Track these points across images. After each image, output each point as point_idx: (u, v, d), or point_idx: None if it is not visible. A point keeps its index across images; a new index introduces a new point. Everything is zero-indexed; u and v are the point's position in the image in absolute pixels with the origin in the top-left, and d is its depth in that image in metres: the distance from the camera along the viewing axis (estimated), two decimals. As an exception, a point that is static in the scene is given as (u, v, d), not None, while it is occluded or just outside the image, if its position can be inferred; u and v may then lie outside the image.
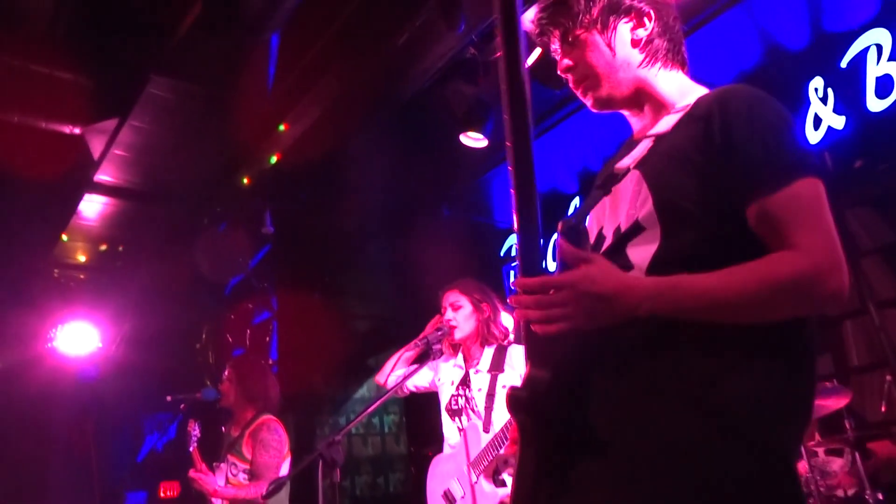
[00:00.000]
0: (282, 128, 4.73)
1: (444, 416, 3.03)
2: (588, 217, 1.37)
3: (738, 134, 1.12)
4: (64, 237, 5.82)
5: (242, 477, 3.53)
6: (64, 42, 4.20)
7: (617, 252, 1.18)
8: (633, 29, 1.32)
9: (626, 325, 1.07)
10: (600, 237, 1.29)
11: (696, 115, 1.21)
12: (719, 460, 1.02)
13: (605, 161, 1.48)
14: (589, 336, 1.10)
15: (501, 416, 2.67)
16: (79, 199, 5.30)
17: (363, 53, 4.14)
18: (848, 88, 3.98)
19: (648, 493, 1.03)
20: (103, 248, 6.09)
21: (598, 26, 1.30)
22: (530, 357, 1.11)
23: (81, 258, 6.26)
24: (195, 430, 3.73)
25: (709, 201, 1.11)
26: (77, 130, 4.74)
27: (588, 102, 1.35)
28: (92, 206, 5.46)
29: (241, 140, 4.86)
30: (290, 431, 3.85)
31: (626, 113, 1.39)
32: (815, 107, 4.12)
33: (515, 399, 1.11)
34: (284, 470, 3.53)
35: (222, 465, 3.62)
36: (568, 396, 1.09)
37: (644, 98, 1.33)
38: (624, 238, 1.18)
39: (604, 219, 1.30)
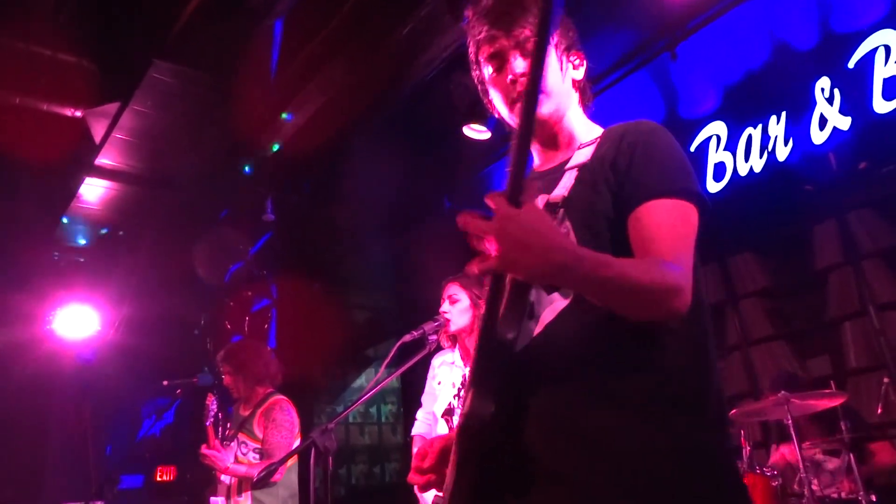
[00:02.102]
0: (284, 116, 4.72)
1: (440, 422, 3.02)
2: None
3: (637, 155, 1.22)
4: (64, 220, 5.82)
5: (252, 456, 3.50)
6: (67, 25, 4.19)
7: None
8: (573, 68, 1.41)
9: (556, 342, 1.16)
10: None
11: (607, 142, 1.30)
12: (642, 450, 1.08)
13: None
14: (527, 354, 1.17)
15: None
16: (80, 182, 5.29)
17: (367, 43, 4.12)
18: (854, 89, 3.95)
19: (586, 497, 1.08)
20: (103, 231, 6.09)
21: (558, 50, 1.36)
22: (473, 384, 1.13)
23: (81, 241, 6.25)
24: (213, 405, 3.68)
25: (619, 219, 1.20)
26: (79, 113, 4.72)
27: (516, 118, 1.36)
28: (93, 190, 5.45)
29: (244, 127, 4.84)
30: (288, 418, 3.83)
31: (535, 146, 1.43)
32: (821, 107, 4.10)
33: (462, 427, 1.12)
34: None
35: (232, 443, 3.59)
36: (507, 422, 1.13)
37: (560, 135, 1.40)
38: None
39: None
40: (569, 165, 1.34)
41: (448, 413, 2.96)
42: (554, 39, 1.34)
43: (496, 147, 5.23)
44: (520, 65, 1.33)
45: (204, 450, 3.47)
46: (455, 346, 3.05)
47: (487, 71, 1.39)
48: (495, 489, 1.14)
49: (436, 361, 3.14)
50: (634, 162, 1.22)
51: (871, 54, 3.89)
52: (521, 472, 1.13)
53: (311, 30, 4.18)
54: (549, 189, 1.31)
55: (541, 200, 1.31)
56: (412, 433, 3.16)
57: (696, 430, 1.12)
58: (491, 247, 1.06)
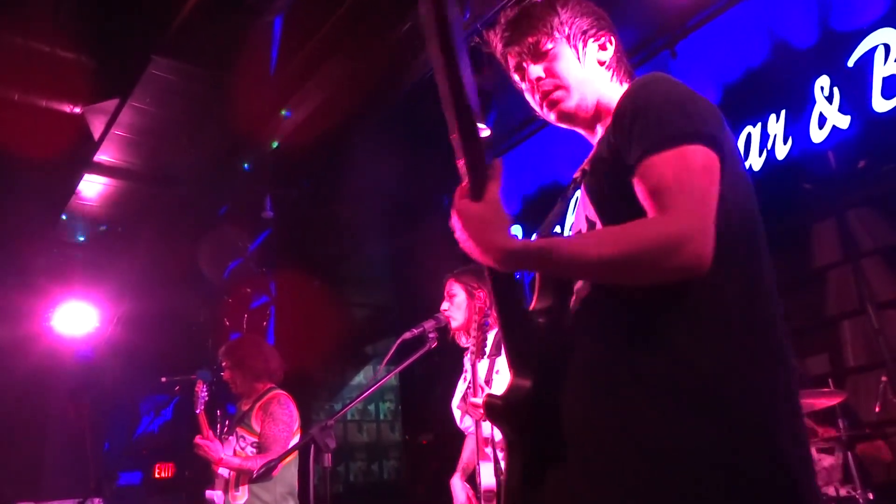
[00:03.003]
0: (284, 113, 4.71)
1: (455, 413, 3.04)
2: (570, 223, 1.51)
3: (634, 114, 1.17)
4: (63, 217, 5.81)
5: (250, 450, 3.48)
6: (67, 21, 4.18)
7: None
8: (598, 50, 1.41)
9: (595, 329, 1.14)
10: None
11: (617, 107, 1.27)
12: (686, 437, 1.01)
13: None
14: (563, 340, 1.16)
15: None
16: (78, 178, 5.29)
17: (366, 41, 4.12)
18: (854, 88, 3.95)
19: (626, 488, 1.03)
20: (102, 228, 6.08)
21: (571, 41, 1.38)
22: (512, 365, 1.16)
23: (80, 238, 6.25)
24: (203, 392, 3.67)
25: (627, 186, 1.15)
26: (78, 110, 4.72)
27: (552, 116, 1.40)
28: (92, 187, 5.45)
29: (243, 124, 4.83)
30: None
31: (583, 132, 1.45)
32: (821, 105, 4.10)
33: (491, 407, 1.15)
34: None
35: (230, 438, 3.59)
36: (545, 404, 1.12)
37: (600, 116, 1.40)
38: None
39: (579, 223, 1.38)
40: (598, 139, 1.37)
41: (463, 400, 2.96)
42: (565, 31, 1.38)
43: (496, 145, 5.23)
44: (534, 70, 1.39)
45: (198, 440, 3.45)
46: (469, 339, 3.06)
47: (519, 82, 1.46)
48: (540, 467, 1.12)
49: (466, 358, 3.14)
50: (626, 124, 1.17)
51: (871, 53, 3.89)
52: (559, 450, 1.11)
53: (311, 27, 4.18)
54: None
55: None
56: (463, 428, 3.15)
57: (708, 429, 1.01)
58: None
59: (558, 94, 1.37)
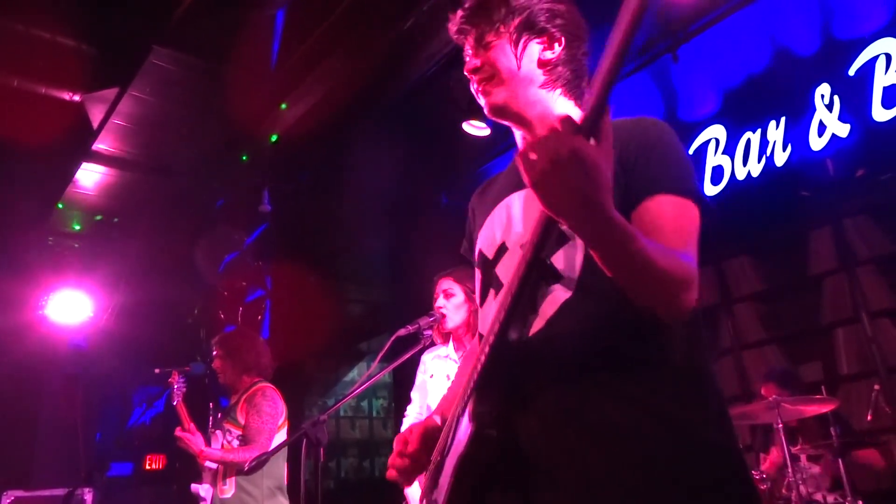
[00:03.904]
0: (284, 106, 4.70)
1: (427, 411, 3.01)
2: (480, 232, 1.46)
3: (646, 152, 1.21)
4: (59, 205, 5.79)
5: (236, 444, 3.47)
6: (67, 8, 4.16)
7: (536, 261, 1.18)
8: (542, 50, 1.37)
9: (558, 336, 1.16)
10: (502, 248, 1.36)
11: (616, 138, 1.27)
12: (654, 448, 1.08)
13: (493, 177, 1.59)
14: (529, 349, 1.17)
15: None
16: (76, 167, 5.27)
17: (369, 36, 4.11)
18: (854, 97, 3.96)
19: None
20: (99, 217, 6.06)
21: (511, 36, 1.35)
22: (477, 389, 1.15)
23: (76, 227, 6.23)
24: (179, 383, 3.67)
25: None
26: (77, 98, 4.70)
27: (485, 106, 1.39)
28: (89, 176, 5.43)
29: (242, 116, 4.82)
30: (279, 410, 3.83)
31: (516, 130, 1.44)
32: (821, 113, 4.11)
33: (470, 456, 1.14)
34: (279, 440, 3.47)
35: (217, 431, 3.58)
36: (510, 420, 1.15)
37: (539, 121, 1.37)
38: (539, 248, 1.14)
39: (505, 232, 1.36)
40: None
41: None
42: (509, 24, 1.35)
43: (495, 143, 5.22)
44: (472, 61, 1.38)
45: (178, 432, 3.45)
46: (448, 342, 3.04)
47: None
48: (496, 487, 1.15)
49: (426, 357, 3.12)
50: (643, 158, 1.20)
51: (872, 62, 3.90)
52: (522, 469, 1.13)
53: (313, 21, 4.16)
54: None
55: (518, 197, 1.34)
56: (402, 430, 3.14)
57: (699, 425, 1.11)
58: (532, 164, 0.96)
59: (488, 86, 1.36)
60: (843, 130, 3.99)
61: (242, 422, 3.50)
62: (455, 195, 6.01)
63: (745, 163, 4.47)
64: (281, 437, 3.52)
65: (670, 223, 1.14)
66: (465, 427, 1.20)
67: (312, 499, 2.45)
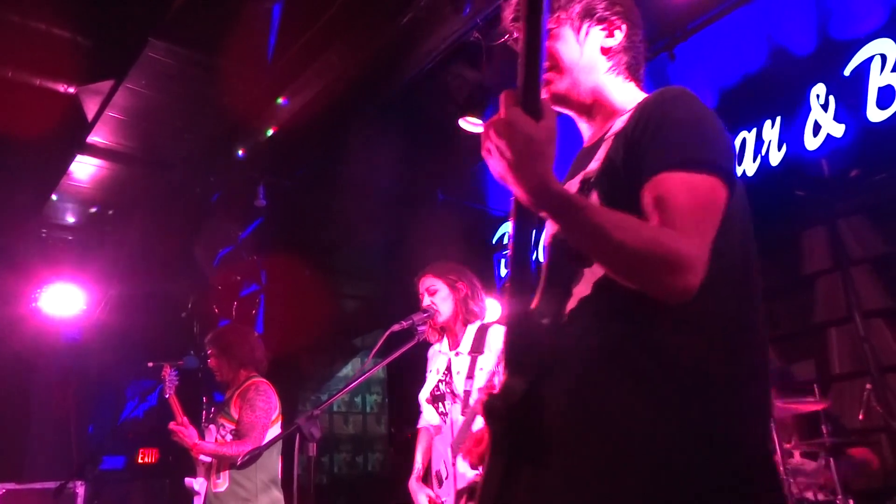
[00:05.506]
0: (280, 101, 4.68)
1: (424, 405, 3.03)
2: None
3: (652, 125, 1.16)
4: (53, 197, 5.77)
5: (230, 438, 3.48)
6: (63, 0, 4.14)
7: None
8: (605, 37, 1.38)
9: (591, 329, 1.12)
10: None
11: (637, 111, 1.25)
12: (667, 446, 1.04)
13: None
14: (563, 338, 1.14)
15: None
16: (70, 159, 5.24)
17: (366, 31, 4.09)
18: (849, 97, 3.97)
19: (605, 490, 1.05)
20: (93, 210, 6.04)
21: (573, 24, 1.35)
22: (508, 364, 1.13)
23: (70, 219, 6.20)
24: (171, 376, 3.67)
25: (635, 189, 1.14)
26: (72, 90, 4.67)
27: (545, 95, 1.37)
28: (83, 168, 5.40)
29: (238, 110, 4.80)
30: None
31: (576, 118, 1.43)
32: (816, 113, 4.12)
33: (491, 408, 1.12)
34: (272, 434, 3.48)
35: (212, 426, 3.59)
36: (540, 403, 1.10)
37: (598, 106, 1.37)
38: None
39: None
40: (607, 136, 1.30)
41: (435, 399, 2.96)
42: (570, 11, 1.34)
43: (491, 141, 5.21)
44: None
45: (172, 425, 3.45)
46: (443, 338, 3.06)
47: None
48: (521, 467, 1.12)
49: (430, 353, 3.15)
50: (648, 132, 1.15)
51: (868, 63, 3.91)
52: (541, 450, 1.10)
53: (310, 16, 4.15)
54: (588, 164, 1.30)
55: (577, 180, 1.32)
56: (419, 426, 3.14)
57: (713, 417, 1.06)
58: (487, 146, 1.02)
59: (550, 74, 1.35)
60: (838, 130, 4.00)
61: (236, 416, 3.50)
62: (451, 191, 6.01)
63: (740, 162, 4.49)
64: (275, 431, 3.53)
65: (669, 201, 1.07)
66: None
67: (305, 494, 2.45)
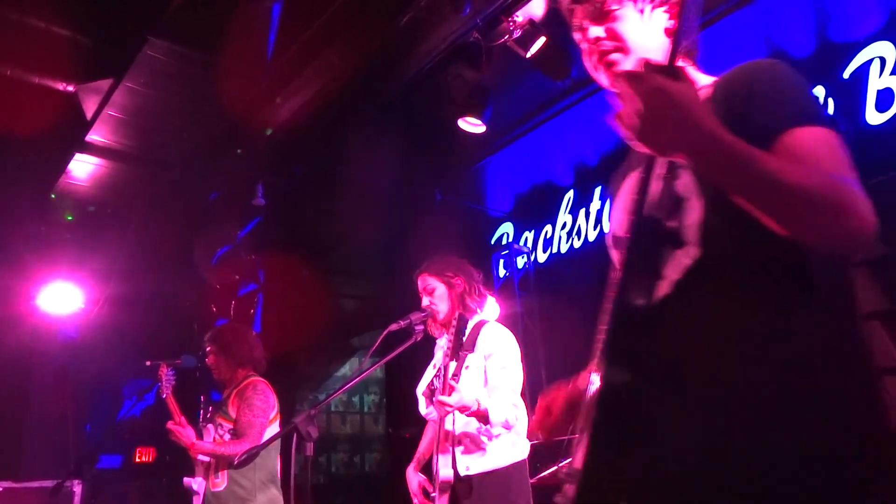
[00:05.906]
0: (279, 100, 4.68)
1: (420, 398, 3.04)
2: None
3: (763, 88, 1.17)
4: (52, 196, 5.76)
5: (228, 438, 3.49)
6: (63, -3, 4.13)
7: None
8: (668, 19, 1.37)
9: (691, 315, 1.10)
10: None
11: (725, 84, 1.26)
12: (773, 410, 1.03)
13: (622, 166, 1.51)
14: (661, 324, 1.13)
15: (464, 394, 2.64)
16: (69, 158, 5.24)
17: (366, 31, 4.10)
18: (848, 99, 3.98)
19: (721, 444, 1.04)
20: (91, 209, 6.04)
21: (637, 5, 1.34)
22: (607, 351, 1.11)
23: (69, 218, 6.20)
24: (168, 375, 3.67)
25: None
26: (71, 88, 4.67)
27: (605, 77, 1.36)
28: (82, 167, 5.40)
29: (238, 109, 4.80)
30: (271, 405, 3.82)
31: None
32: (815, 115, 4.12)
33: (595, 395, 1.10)
34: (271, 433, 3.49)
35: (210, 426, 3.59)
36: (643, 389, 1.10)
37: None
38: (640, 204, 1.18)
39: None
40: None
41: (430, 393, 2.96)
42: None
43: (490, 141, 5.22)
44: (594, 31, 1.35)
45: (169, 425, 3.45)
46: (443, 334, 3.06)
47: (579, 41, 1.42)
48: (619, 450, 1.11)
49: (437, 346, 3.15)
50: (760, 95, 1.15)
51: (867, 65, 3.92)
52: (641, 436, 1.10)
53: (310, 15, 4.15)
54: None
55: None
56: (427, 417, 3.15)
57: (819, 429, 1.02)
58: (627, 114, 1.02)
59: (615, 55, 1.34)
60: (836, 133, 4.00)
61: (234, 416, 3.50)
62: (449, 192, 6.01)
63: (739, 164, 4.49)
64: (273, 430, 3.53)
65: (817, 151, 1.06)
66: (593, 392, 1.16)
67: (302, 493, 2.45)
